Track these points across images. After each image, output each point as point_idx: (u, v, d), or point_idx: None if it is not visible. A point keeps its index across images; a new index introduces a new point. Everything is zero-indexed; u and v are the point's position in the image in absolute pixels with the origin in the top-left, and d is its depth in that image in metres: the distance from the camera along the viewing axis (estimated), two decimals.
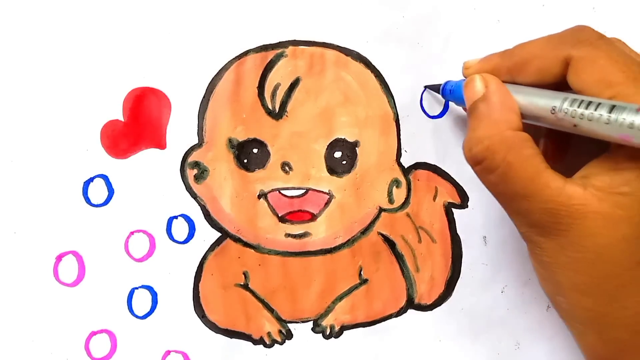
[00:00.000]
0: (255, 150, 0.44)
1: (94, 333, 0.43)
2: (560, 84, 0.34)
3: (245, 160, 0.44)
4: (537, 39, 0.36)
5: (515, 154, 0.33)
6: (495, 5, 0.44)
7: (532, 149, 0.33)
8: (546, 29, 0.44)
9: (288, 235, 0.44)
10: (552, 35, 0.35)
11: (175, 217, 0.44)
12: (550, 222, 0.32)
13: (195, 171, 0.44)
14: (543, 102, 0.34)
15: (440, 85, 0.43)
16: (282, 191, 0.44)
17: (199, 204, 0.44)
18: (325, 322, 0.45)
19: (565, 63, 0.34)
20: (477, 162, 0.35)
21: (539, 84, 0.35)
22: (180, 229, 0.44)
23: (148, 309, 0.44)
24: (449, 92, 0.42)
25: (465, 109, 0.41)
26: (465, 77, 0.39)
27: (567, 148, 0.39)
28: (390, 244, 0.45)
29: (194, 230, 0.44)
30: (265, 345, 0.45)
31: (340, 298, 0.45)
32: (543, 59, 0.35)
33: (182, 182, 0.44)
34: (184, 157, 0.43)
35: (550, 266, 0.34)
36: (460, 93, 0.39)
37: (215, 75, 0.43)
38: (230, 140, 0.44)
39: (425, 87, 0.44)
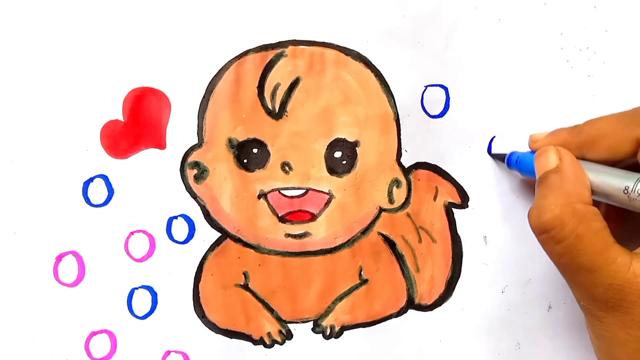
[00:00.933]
0: (255, 150, 0.44)
1: (94, 333, 0.43)
2: (631, 163, 0.35)
3: (245, 160, 0.44)
4: (607, 116, 0.37)
5: (585, 226, 0.33)
6: (496, 4, 0.44)
7: (601, 222, 0.34)
8: (548, 27, 0.44)
9: (288, 235, 0.44)
10: (623, 113, 0.36)
11: (175, 217, 0.44)
12: (614, 298, 0.33)
13: (195, 171, 0.43)
14: (616, 182, 0.34)
15: (504, 154, 0.43)
16: (282, 191, 0.44)
17: (199, 204, 0.44)
18: (326, 323, 0.45)
19: (636, 143, 0.34)
20: (544, 231, 0.35)
21: (609, 162, 0.36)
22: (180, 229, 0.44)
23: (148, 309, 0.44)
24: (515, 163, 0.42)
25: (528, 179, 0.42)
26: (532, 150, 0.40)
27: (625, 217, 0.39)
28: (391, 244, 0.45)
29: (194, 230, 0.44)
30: (266, 346, 0.45)
31: (341, 298, 0.45)
32: (613, 137, 0.35)
33: (182, 182, 0.44)
34: (183, 157, 0.43)
35: (609, 341, 0.34)
36: (527, 164, 0.40)
37: (215, 75, 0.43)
38: (230, 140, 0.44)
39: (490, 154, 0.45)
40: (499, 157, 0.44)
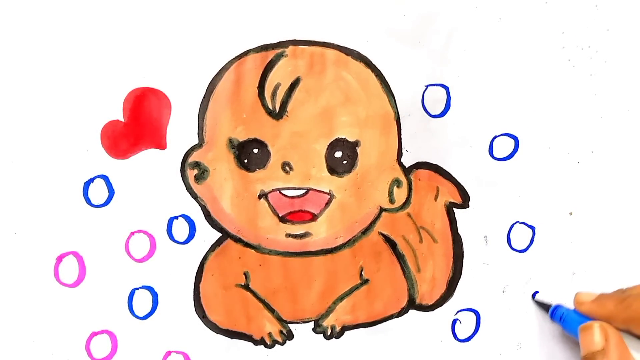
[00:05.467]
0: (255, 150, 0.44)
1: (94, 334, 0.43)
2: None
3: (246, 160, 0.44)
4: None
5: None
6: (497, 3, 0.44)
7: None
8: (549, 26, 0.44)
9: (289, 235, 0.44)
10: None
11: (176, 218, 0.44)
12: None
13: (195, 171, 0.43)
14: None
15: (549, 305, 0.44)
16: (283, 191, 0.44)
17: (200, 204, 0.44)
18: (326, 323, 0.45)
19: None
20: None
21: None
22: (180, 229, 0.44)
23: (149, 310, 0.44)
24: (559, 318, 0.43)
25: (569, 333, 0.43)
26: (578, 311, 0.41)
27: None
28: (391, 244, 0.45)
29: (195, 230, 0.44)
30: (266, 346, 0.45)
31: (341, 298, 0.45)
32: None
33: (182, 183, 0.43)
34: (184, 157, 0.43)
35: None
36: (572, 324, 0.41)
37: (216, 75, 0.43)
38: (230, 141, 0.43)
39: (535, 301, 0.45)
40: (542, 306, 0.45)
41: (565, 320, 0.42)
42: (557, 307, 0.44)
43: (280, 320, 0.45)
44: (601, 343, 0.37)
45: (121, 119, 0.43)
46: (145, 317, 0.44)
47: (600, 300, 0.40)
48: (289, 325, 0.45)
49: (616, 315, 0.38)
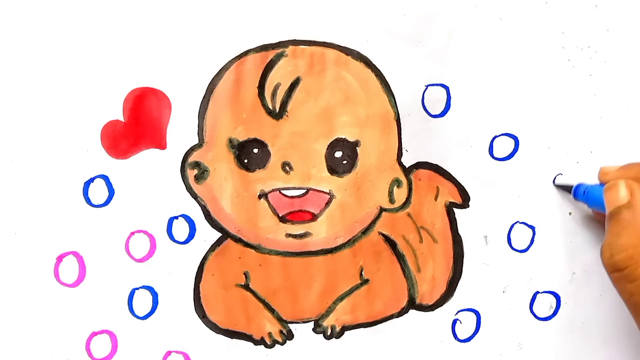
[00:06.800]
0: (255, 150, 0.44)
1: (94, 334, 0.43)
2: None
3: (246, 160, 0.44)
4: None
5: None
6: (497, 3, 0.44)
7: None
8: (549, 26, 0.44)
9: (289, 235, 0.44)
10: None
11: (176, 217, 0.44)
12: None
13: (195, 171, 0.43)
14: None
15: (571, 186, 0.44)
16: (283, 191, 0.44)
17: (200, 204, 0.44)
18: (326, 323, 0.45)
19: None
20: (617, 270, 0.35)
21: None
22: (180, 229, 0.44)
23: (149, 310, 0.44)
24: (582, 194, 0.43)
25: (596, 212, 0.43)
26: (602, 182, 0.40)
27: None
28: (391, 243, 0.45)
29: (195, 230, 0.44)
30: (266, 346, 0.45)
31: (341, 298, 0.45)
32: None
33: (182, 183, 0.43)
34: (184, 157, 0.43)
35: None
36: (596, 196, 0.40)
37: (216, 75, 0.43)
38: (230, 140, 0.44)
39: (555, 185, 0.45)
40: (564, 188, 0.45)
41: (590, 194, 0.42)
42: (580, 185, 0.43)
43: (280, 320, 0.45)
44: (627, 197, 0.36)
45: (121, 118, 0.43)
46: (145, 317, 0.44)
47: (625, 167, 0.40)
48: (289, 325, 0.45)
49: None
